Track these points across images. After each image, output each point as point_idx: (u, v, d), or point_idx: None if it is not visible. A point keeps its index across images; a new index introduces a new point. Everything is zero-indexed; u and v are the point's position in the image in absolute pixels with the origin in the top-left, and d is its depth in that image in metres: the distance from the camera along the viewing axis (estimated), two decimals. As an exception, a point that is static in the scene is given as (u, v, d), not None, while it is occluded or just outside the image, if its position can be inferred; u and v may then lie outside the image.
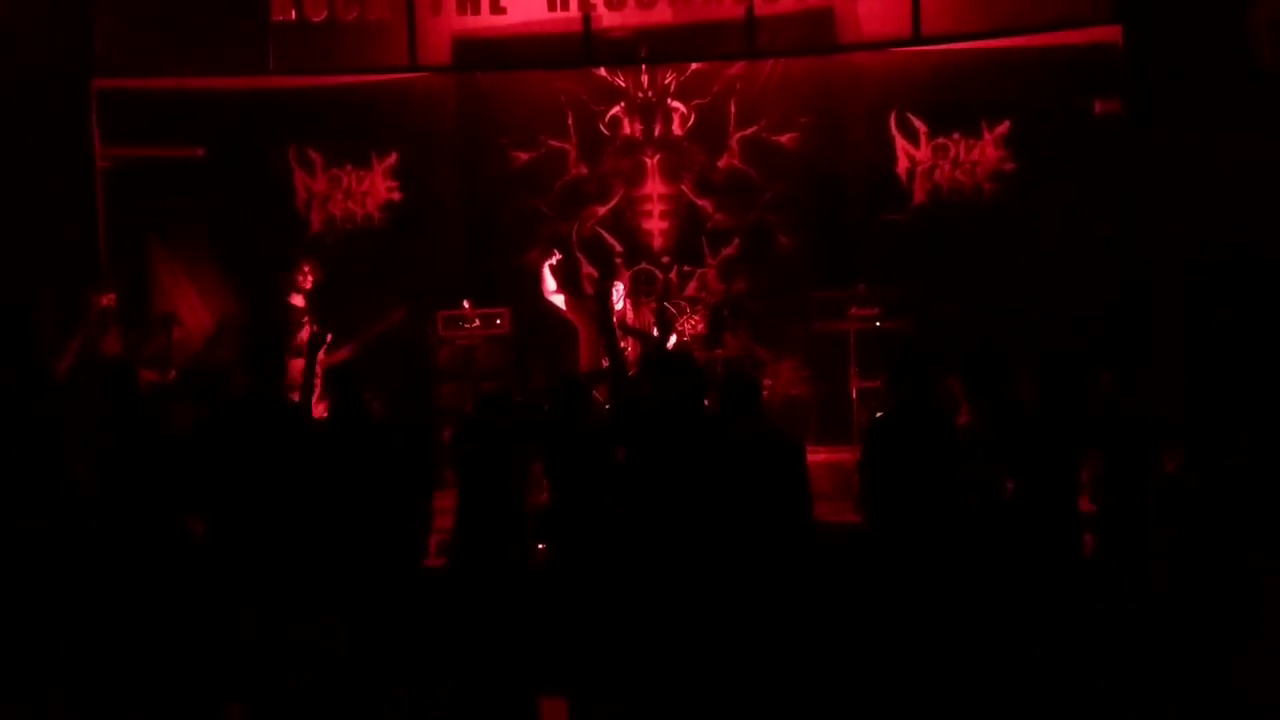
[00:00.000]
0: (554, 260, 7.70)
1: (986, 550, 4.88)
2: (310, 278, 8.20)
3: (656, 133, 9.57)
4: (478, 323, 8.88)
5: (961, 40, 8.83)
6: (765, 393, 7.48)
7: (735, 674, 4.70)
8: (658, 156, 9.58)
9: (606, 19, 9.26)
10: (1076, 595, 4.78)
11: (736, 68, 9.44)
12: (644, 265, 9.51)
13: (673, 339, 7.89)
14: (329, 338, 6.70)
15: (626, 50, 9.42)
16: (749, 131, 9.48)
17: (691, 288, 9.53)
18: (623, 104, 9.58)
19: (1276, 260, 6.67)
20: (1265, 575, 4.70)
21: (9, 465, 4.91)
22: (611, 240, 9.60)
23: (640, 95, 9.55)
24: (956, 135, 9.21)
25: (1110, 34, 8.13)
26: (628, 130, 9.59)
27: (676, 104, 9.55)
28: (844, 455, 7.80)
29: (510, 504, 5.35)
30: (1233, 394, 5.96)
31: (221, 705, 4.95)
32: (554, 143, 9.59)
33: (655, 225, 9.61)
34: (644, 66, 9.48)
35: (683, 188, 9.59)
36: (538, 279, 8.57)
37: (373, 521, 5.11)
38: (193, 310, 9.01)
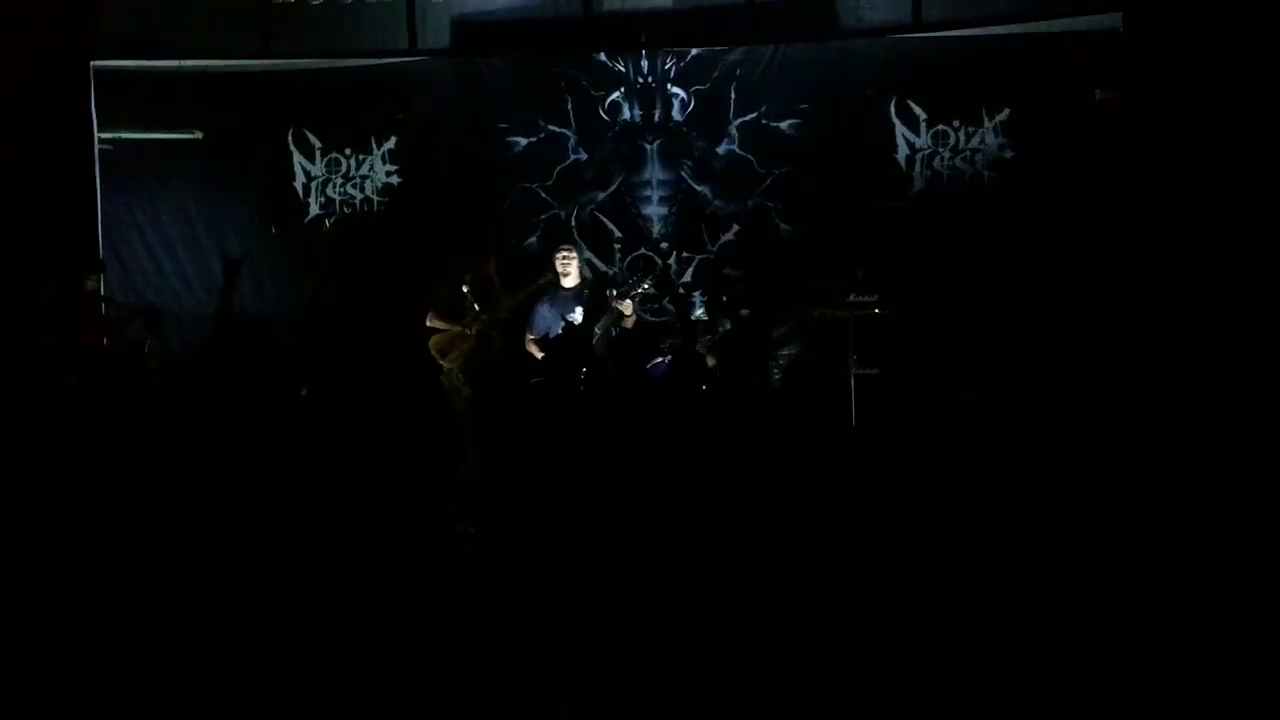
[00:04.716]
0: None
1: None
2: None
3: (656, 118, 9.54)
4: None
5: (962, 27, 8.83)
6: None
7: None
8: (657, 142, 9.56)
9: (607, 3, 9.25)
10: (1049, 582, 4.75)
11: (737, 53, 9.40)
12: (642, 251, 9.53)
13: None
14: None
15: (627, 35, 9.40)
16: (749, 117, 9.44)
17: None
18: (622, 89, 9.54)
19: (1277, 248, 6.67)
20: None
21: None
22: (611, 226, 9.60)
23: (640, 80, 9.53)
24: (956, 122, 9.21)
25: (1110, 21, 8.12)
26: (627, 115, 9.57)
27: (676, 89, 9.51)
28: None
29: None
30: (1233, 386, 5.94)
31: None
32: (553, 127, 9.58)
33: (654, 211, 9.59)
34: (644, 51, 9.45)
35: (682, 174, 9.57)
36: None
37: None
38: (188, 294, 9.02)
